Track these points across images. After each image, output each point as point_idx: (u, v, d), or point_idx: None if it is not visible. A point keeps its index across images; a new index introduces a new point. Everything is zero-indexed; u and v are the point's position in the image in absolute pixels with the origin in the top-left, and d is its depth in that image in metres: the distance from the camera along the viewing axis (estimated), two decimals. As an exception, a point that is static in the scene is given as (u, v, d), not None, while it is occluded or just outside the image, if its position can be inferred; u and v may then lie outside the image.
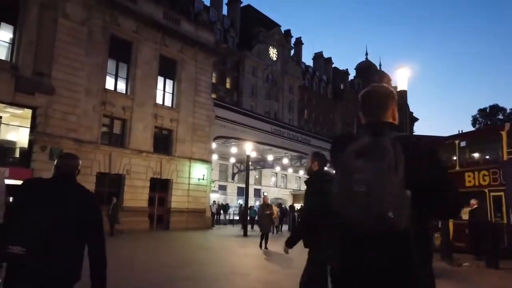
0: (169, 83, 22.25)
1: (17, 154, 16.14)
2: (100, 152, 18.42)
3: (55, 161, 2.54)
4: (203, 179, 22.88)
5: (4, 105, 15.61)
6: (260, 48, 49.93)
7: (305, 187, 3.69)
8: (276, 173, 50.28)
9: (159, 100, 21.43)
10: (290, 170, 46.55)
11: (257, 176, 46.82)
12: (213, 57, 24.53)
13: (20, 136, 16.36)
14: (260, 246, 12.95)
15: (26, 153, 16.02)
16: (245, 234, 17.73)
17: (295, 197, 51.45)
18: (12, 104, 15.69)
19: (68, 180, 2.49)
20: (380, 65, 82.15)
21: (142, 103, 20.31)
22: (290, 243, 3.70)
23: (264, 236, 13.14)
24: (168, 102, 22.06)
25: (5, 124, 16.05)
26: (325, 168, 3.70)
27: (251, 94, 49.28)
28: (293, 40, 59.16)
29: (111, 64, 19.42)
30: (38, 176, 3.06)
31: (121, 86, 20.05)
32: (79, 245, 2.36)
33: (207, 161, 23.48)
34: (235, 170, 43.78)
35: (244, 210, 20.02)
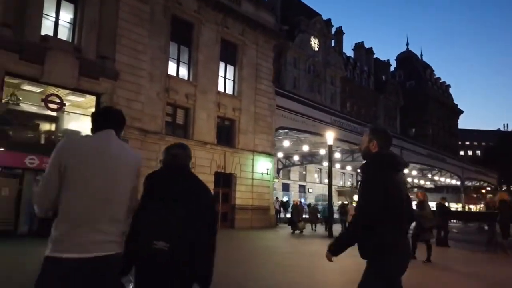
0: (230, 69, 20.46)
1: (80, 145, 14.70)
2: (165, 143, 16.75)
3: (165, 152, 2.53)
4: (267, 173, 21.00)
5: (67, 92, 14.21)
6: (302, 38, 47.66)
7: (361, 175, 2.72)
8: (320, 169, 48.01)
9: (220, 88, 19.67)
10: (337, 166, 44.10)
11: (304, 172, 44.72)
12: (274, 40, 22.58)
13: (83, 125, 14.90)
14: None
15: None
16: (330, 235, 15.66)
17: (340, 194, 49.15)
18: (76, 90, 14.26)
19: (189, 172, 2.52)
20: (421, 55, 78.08)
21: (205, 90, 18.61)
22: (335, 249, 2.59)
23: None
24: (229, 90, 20.29)
25: (68, 112, 14.64)
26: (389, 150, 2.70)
27: (293, 86, 47.06)
28: (333, 30, 56.51)
29: (172, 48, 17.81)
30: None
31: (183, 72, 18.41)
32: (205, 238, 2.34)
33: (270, 154, 21.58)
34: (280, 166, 41.77)
35: (328, 207, 17.90)
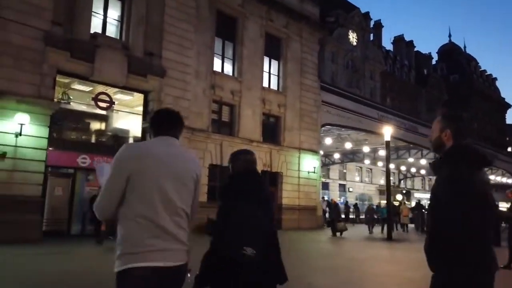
0: (274, 63, 19.77)
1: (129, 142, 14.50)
2: (212, 141, 16.39)
3: (235, 157, 2.61)
4: (313, 172, 20.15)
5: (115, 90, 14.04)
6: (340, 32, 46.20)
7: (435, 175, 2.00)
8: (360, 167, 46.42)
9: (265, 83, 19.02)
10: (380, 164, 42.38)
11: (345, 171, 43.37)
12: (318, 33, 21.67)
13: (132, 124, 14.73)
14: None
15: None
16: (389, 237, 14.59)
17: (382, 193, 47.32)
18: (124, 88, 14.07)
19: (261, 176, 2.68)
20: (464, 47, 73.95)
21: (250, 86, 18.02)
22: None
23: None
24: (273, 85, 19.60)
25: (116, 111, 14.47)
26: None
27: (331, 82, 45.70)
28: (371, 23, 54.49)
29: (217, 43, 17.34)
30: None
31: (227, 68, 17.91)
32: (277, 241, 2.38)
33: (316, 151, 20.71)
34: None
35: (387, 208, 16.43)
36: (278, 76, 19.80)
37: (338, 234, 16.41)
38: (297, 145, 19.75)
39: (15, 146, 11.18)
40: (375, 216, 20.00)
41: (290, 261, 8.22)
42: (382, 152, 34.13)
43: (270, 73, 19.47)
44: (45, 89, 11.85)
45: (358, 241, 15.19)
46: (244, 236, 2.13)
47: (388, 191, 16.30)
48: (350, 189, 44.33)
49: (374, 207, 21.48)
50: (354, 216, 25.10)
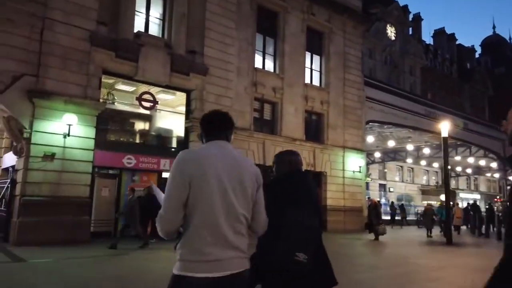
0: (315, 59, 19.04)
1: (174, 144, 14.30)
2: (254, 140, 15.92)
3: (280, 158, 2.57)
4: (359, 171, 19.22)
5: (157, 90, 13.85)
6: (379, 27, 44.58)
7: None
8: (401, 167, 44.59)
9: (307, 80, 18.33)
10: (423, 163, 40.51)
11: (385, 170, 41.80)
12: (362, 26, 20.71)
13: (175, 124, 14.50)
14: None
15: (183, 142, 14.08)
16: (449, 242, 13.51)
17: (425, 193, 45.18)
18: (167, 87, 13.86)
19: (308, 177, 2.56)
20: (510, 38, 69.69)
21: (292, 83, 17.40)
22: None
23: None
24: (316, 82, 18.86)
25: (159, 110, 14.28)
26: None
27: (369, 78, 44.20)
28: (410, 17, 52.29)
29: (258, 39, 16.86)
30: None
31: (269, 65, 17.37)
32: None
33: (361, 150, 19.76)
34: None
35: (446, 209, 14.85)
36: (320, 72, 19.05)
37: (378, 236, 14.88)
38: (341, 144, 18.91)
39: (63, 147, 11.16)
40: (435, 218, 18.64)
41: (353, 269, 7.53)
42: (426, 150, 32.50)
43: (312, 69, 18.76)
44: (91, 90, 11.80)
45: (418, 246, 14.18)
46: (295, 242, 2.06)
47: (447, 191, 15.10)
48: (391, 189, 42.64)
49: (434, 208, 19.97)
50: (400, 218, 23.80)
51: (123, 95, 13.95)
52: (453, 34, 58.52)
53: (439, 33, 57.77)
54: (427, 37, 57.52)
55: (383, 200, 35.88)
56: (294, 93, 17.38)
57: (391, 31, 46.80)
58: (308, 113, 18.13)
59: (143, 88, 13.73)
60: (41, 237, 10.10)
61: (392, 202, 27.37)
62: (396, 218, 24.08)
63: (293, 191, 2.29)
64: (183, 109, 14.61)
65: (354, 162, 19.14)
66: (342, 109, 19.19)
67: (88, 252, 9.49)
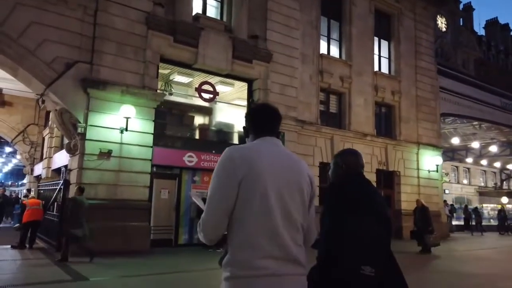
0: (383, 44, 16.98)
1: (235, 140, 12.71)
2: (321, 136, 14.08)
3: (337, 159, 2.32)
4: (435, 170, 16.92)
5: (215, 81, 12.33)
6: (429, 17, 41.52)
7: None
8: (456, 167, 41.21)
9: (376, 67, 16.30)
10: (483, 162, 37.05)
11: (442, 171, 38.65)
12: (433, 7, 18.44)
13: (236, 118, 12.91)
14: None
15: (244, 138, 12.44)
16: None
17: (482, 195, 41.58)
18: (228, 76, 12.33)
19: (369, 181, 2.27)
20: None
21: (360, 71, 15.44)
22: None
23: None
24: (384, 69, 16.78)
25: (217, 102, 12.77)
26: None
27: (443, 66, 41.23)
28: (461, 6, 48.74)
29: (322, 23, 15.05)
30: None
31: (334, 51, 15.50)
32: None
33: (437, 146, 17.45)
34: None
35: None
36: (389, 58, 16.96)
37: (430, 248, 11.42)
38: (415, 139, 16.70)
39: (120, 143, 9.83)
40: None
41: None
42: (493, 148, 29.40)
43: (380, 56, 16.71)
44: (149, 79, 10.42)
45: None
46: (360, 253, 1.85)
47: None
48: (446, 191, 39.27)
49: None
50: (475, 223, 21.12)
51: (178, 88, 12.56)
52: (507, 25, 54.18)
53: (492, 24, 53.64)
54: (477, 28, 53.48)
55: (454, 203, 33.01)
56: (363, 82, 15.40)
57: (441, 22, 43.49)
58: (377, 105, 16.08)
59: (200, 78, 12.27)
60: (96, 246, 8.78)
61: (466, 205, 24.58)
62: (472, 223, 21.39)
63: (352, 197, 2.04)
64: (240, 102, 13.06)
65: (429, 160, 16.85)
66: (415, 100, 16.99)
67: (153, 266, 8.01)
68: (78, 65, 9.49)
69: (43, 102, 10.50)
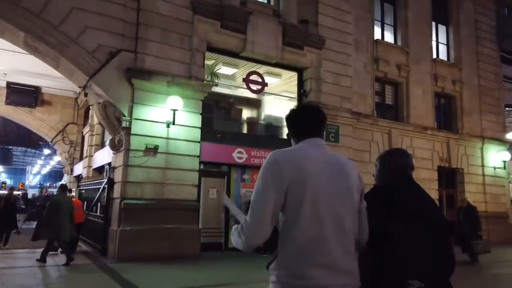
0: (441, 29, 15.48)
1: (283, 135, 11.70)
2: (378, 129, 12.82)
3: (383, 160, 2.07)
4: (502, 167, 15.24)
5: (262, 71, 11.35)
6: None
7: None
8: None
9: (434, 54, 14.83)
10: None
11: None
12: (495, -13, 16.77)
13: (285, 110, 11.88)
14: None
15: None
16: None
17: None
18: (277, 65, 11.34)
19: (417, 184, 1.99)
20: None
21: (418, 58, 14.04)
22: None
23: None
24: (443, 56, 15.28)
25: (268, 93, 11.80)
26: None
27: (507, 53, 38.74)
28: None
29: (376, 7, 13.79)
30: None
31: (388, 37, 14.19)
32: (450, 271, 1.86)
33: (503, 141, 15.74)
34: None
35: None
36: (447, 45, 15.44)
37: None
38: (478, 133, 15.11)
39: (167, 138, 9.03)
40: None
41: None
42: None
43: (438, 42, 15.22)
44: (196, 68, 9.57)
45: None
46: (407, 265, 1.68)
47: None
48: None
49: None
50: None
51: (224, 80, 11.67)
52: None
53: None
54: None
55: None
56: (421, 71, 14.00)
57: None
58: (437, 96, 14.61)
59: (245, 69, 11.32)
60: (143, 251, 8.12)
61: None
62: None
63: (400, 203, 1.84)
64: (288, 94, 12.04)
65: (495, 156, 15.19)
66: (477, 90, 15.39)
67: (213, 275, 7.10)
68: (122, 54, 8.76)
69: (85, 95, 9.86)
